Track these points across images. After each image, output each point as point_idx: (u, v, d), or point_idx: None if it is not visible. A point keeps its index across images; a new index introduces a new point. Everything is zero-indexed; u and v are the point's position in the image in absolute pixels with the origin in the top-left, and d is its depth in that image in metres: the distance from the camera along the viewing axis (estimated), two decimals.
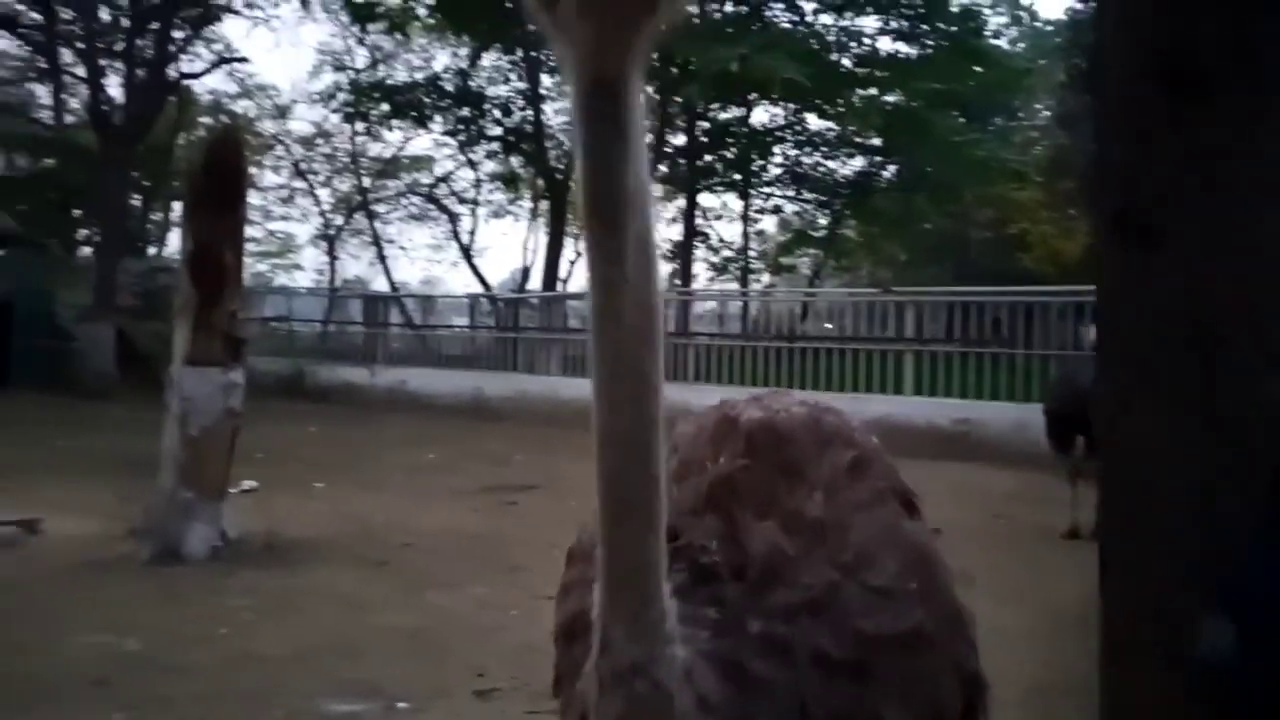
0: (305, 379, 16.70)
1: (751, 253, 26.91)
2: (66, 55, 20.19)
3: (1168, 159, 1.25)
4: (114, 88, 19.73)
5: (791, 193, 24.61)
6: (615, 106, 0.80)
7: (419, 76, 23.73)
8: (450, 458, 10.12)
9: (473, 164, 25.64)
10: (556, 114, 23.86)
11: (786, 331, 14.20)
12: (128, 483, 6.93)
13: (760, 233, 28.57)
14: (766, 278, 28.10)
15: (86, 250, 22.85)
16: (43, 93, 24.11)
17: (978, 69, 19.44)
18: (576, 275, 29.91)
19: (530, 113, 22.15)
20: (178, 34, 20.08)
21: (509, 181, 25.75)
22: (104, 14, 19.80)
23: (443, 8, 20.29)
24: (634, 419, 0.87)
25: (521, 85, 22.55)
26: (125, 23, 19.56)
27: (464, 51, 23.10)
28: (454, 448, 10.79)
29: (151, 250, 26.08)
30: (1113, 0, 1.40)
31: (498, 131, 23.23)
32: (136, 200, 24.75)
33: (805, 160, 23.46)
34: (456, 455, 10.27)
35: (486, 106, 22.72)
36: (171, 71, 20.27)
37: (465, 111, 22.69)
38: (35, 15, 19.28)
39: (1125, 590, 1.33)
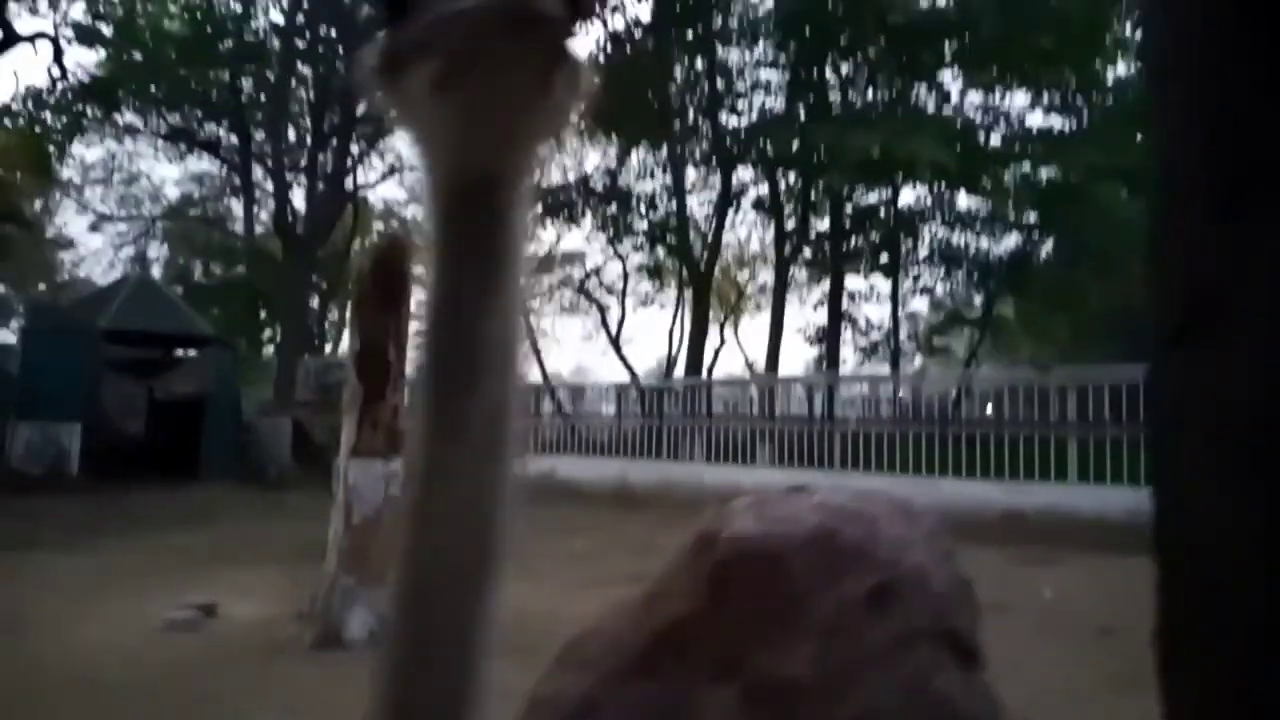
0: None
1: (902, 335, 26.34)
2: (258, 172, 22.39)
3: (1218, 256, 1.19)
4: (298, 199, 21.71)
5: (942, 272, 24.08)
6: (488, 222, 0.58)
7: (570, 177, 24.92)
8: (597, 545, 10.22)
9: (621, 256, 26.49)
10: (700, 205, 24.47)
11: (941, 416, 13.73)
12: (300, 568, 7.35)
13: (911, 314, 28.00)
14: (919, 360, 27.38)
15: (270, 349, 24.83)
16: (236, 207, 26.74)
17: (1143, 138, 18.67)
18: (720, 362, 30.14)
19: (674, 205, 22.77)
20: (354, 149, 21.96)
21: (655, 272, 26.38)
22: (291, 134, 21.93)
23: (593, 112, 21.31)
24: (434, 686, 0.59)
25: (666, 180, 23.27)
26: (309, 141, 21.58)
27: (613, 151, 24.14)
28: (601, 535, 10.90)
29: (328, 348, 28.06)
30: (1165, 95, 1.36)
31: (644, 225, 23.96)
32: (316, 302, 26.80)
33: (956, 239, 22.97)
34: (603, 543, 10.36)
35: (634, 202, 23.52)
36: (348, 183, 22.12)
37: (614, 208, 23.56)
38: (233, 139, 21.58)
39: (1187, 689, 1.22)
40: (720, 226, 23.06)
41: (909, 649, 0.90)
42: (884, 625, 0.90)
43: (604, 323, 27.86)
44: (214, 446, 16.36)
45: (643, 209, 23.65)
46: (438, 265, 0.59)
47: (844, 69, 20.82)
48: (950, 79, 19.89)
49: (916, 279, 24.54)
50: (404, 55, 0.55)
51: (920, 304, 27.38)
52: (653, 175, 23.90)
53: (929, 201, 22.34)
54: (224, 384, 17.56)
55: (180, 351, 19.20)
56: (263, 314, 25.65)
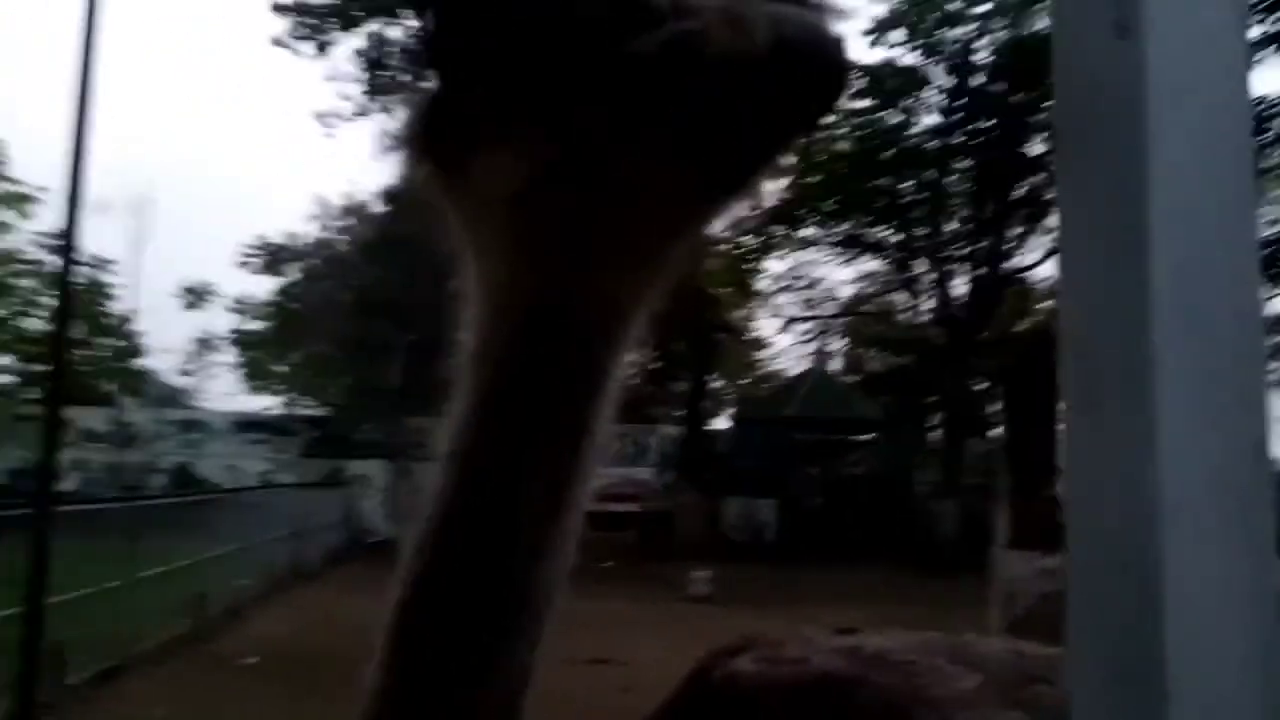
0: None
1: None
2: (920, 266, 23.61)
3: None
4: (957, 288, 22.29)
5: None
6: (564, 374, 0.38)
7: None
8: None
9: None
10: None
11: None
12: None
13: None
14: None
15: (936, 433, 25.58)
16: (900, 300, 28.42)
17: None
18: None
19: None
20: (1013, 233, 21.86)
21: None
22: (949, 226, 22.74)
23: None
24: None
25: None
26: (968, 230, 22.12)
27: None
28: None
29: (993, 433, 27.81)
30: None
31: None
32: (980, 387, 26.93)
33: None
34: None
35: None
36: (1007, 266, 22.02)
37: None
38: (897, 237, 23.18)
39: None
40: None
41: None
42: None
43: None
44: (885, 525, 17.42)
45: None
46: (467, 433, 0.40)
47: None
48: None
49: None
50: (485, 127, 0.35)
51: None
52: None
53: None
54: (893, 466, 18.66)
55: (854, 436, 20.97)
56: (928, 399, 26.58)
